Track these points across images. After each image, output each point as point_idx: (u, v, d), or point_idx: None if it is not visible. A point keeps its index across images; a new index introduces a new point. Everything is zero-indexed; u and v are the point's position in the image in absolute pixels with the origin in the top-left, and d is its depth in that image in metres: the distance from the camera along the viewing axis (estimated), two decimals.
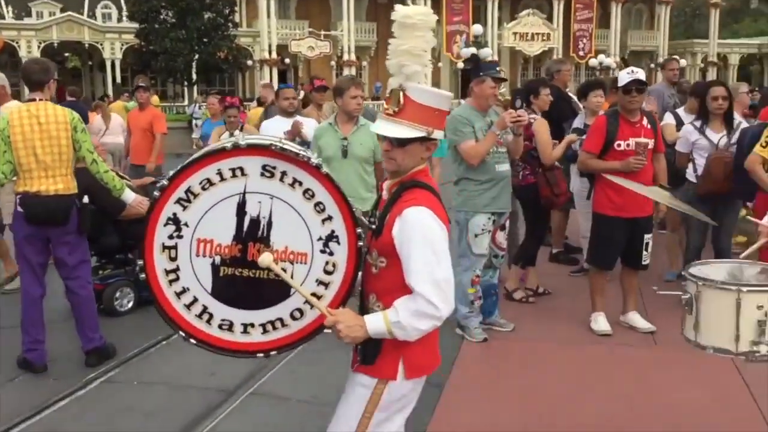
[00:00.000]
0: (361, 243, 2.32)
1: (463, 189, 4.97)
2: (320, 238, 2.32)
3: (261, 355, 2.40)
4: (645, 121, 4.96)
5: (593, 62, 35.27)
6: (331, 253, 2.32)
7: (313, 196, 2.31)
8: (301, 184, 2.29)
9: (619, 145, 4.87)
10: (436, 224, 2.21)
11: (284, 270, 2.26)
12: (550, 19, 39.29)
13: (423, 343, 2.28)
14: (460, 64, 32.39)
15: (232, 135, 5.99)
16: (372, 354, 2.28)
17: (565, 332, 5.18)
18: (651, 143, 4.84)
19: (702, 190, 5.50)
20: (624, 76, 4.90)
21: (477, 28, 29.55)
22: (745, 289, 2.63)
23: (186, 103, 33.72)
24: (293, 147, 2.36)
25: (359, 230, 2.32)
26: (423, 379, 2.40)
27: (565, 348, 4.92)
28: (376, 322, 2.21)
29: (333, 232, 2.32)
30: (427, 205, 2.23)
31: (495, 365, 4.72)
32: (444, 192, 2.61)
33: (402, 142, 2.27)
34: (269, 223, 2.29)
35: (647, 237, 5.02)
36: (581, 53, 39.63)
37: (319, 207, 2.31)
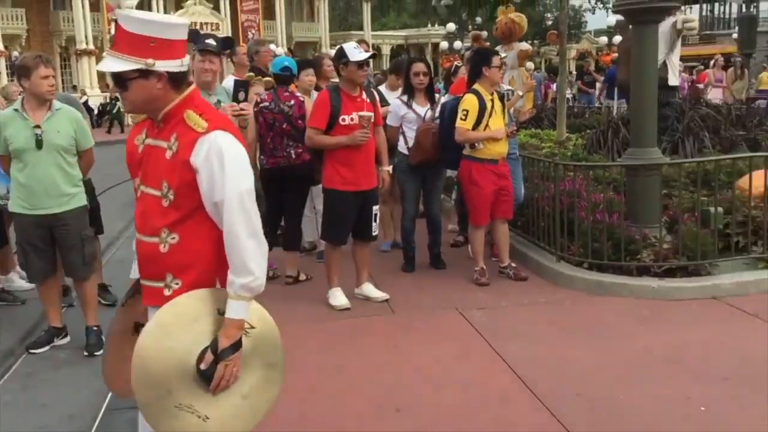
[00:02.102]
0: None
1: None
2: None
3: None
4: (364, 95, 5.06)
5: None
6: None
7: None
8: None
9: (344, 120, 4.89)
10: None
11: None
12: (217, 8, 38.99)
13: None
14: None
15: None
16: None
17: (306, 313, 5.09)
18: (373, 116, 4.95)
19: (414, 160, 5.82)
20: (356, 52, 4.92)
21: None
22: None
23: None
24: None
25: None
26: None
27: (309, 327, 4.84)
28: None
29: None
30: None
31: None
32: None
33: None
34: None
35: (375, 208, 5.16)
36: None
37: None
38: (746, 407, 3.40)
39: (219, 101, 4.61)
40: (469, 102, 5.38)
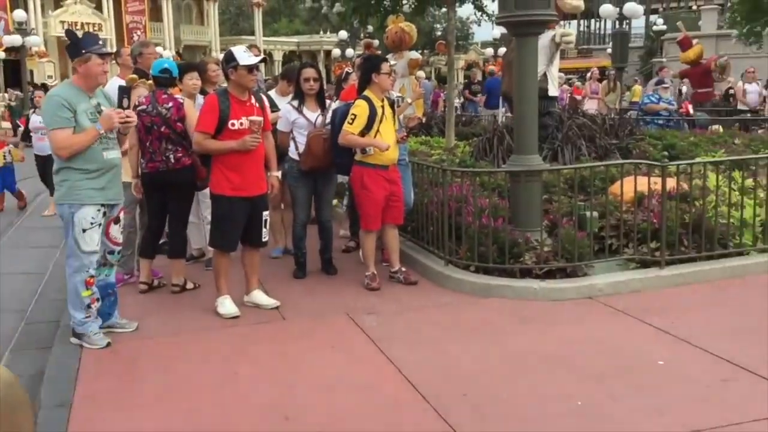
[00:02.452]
0: None
1: (65, 179, 4.38)
2: None
3: None
4: (253, 100, 5.00)
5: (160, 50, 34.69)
6: None
7: None
8: None
9: (233, 124, 4.82)
10: None
11: None
12: (99, 8, 37.36)
13: None
14: (2, 54, 28.69)
15: None
16: None
17: (194, 322, 4.97)
18: (263, 121, 4.91)
19: (305, 165, 5.80)
20: (246, 56, 4.86)
21: (19, 14, 26.42)
22: None
23: None
24: None
25: None
26: None
27: (197, 337, 4.72)
28: None
29: None
30: None
31: (125, 370, 4.28)
32: None
33: None
34: None
35: (265, 214, 5.11)
36: None
37: None
38: (619, 400, 3.60)
39: (99, 104, 4.43)
40: (360, 107, 5.43)
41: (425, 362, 4.16)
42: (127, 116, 4.44)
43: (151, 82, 5.72)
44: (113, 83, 7.43)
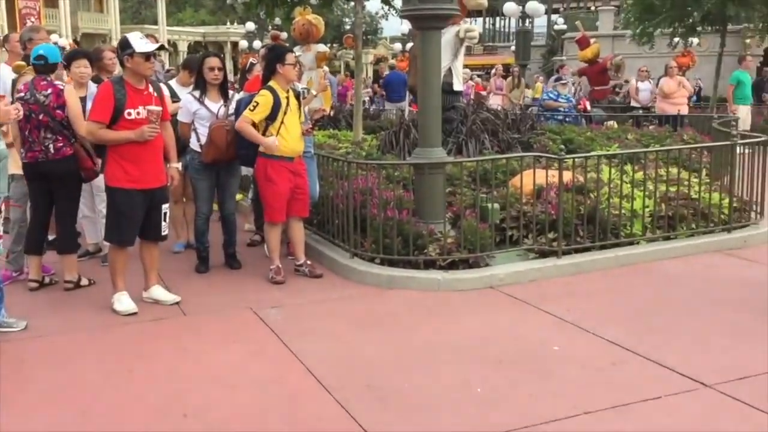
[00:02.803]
0: None
1: None
2: None
3: None
4: (150, 89, 4.84)
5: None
6: None
7: None
8: None
9: (129, 114, 4.65)
10: None
11: None
12: None
13: None
14: None
15: None
16: None
17: (89, 320, 4.77)
18: (161, 111, 4.75)
19: (207, 158, 5.65)
20: (142, 43, 4.69)
21: None
22: None
23: None
24: None
25: None
26: None
27: (92, 336, 4.53)
28: None
29: None
30: None
31: (13, 370, 4.04)
32: None
33: None
34: None
35: (165, 207, 4.96)
36: None
37: None
38: (517, 386, 3.71)
39: None
40: (263, 96, 5.34)
41: (329, 355, 4.15)
42: (16, 109, 4.24)
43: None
44: (1, 70, 7.04)
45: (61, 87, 5.13)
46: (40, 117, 5.02)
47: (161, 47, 5.05)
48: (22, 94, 5.07)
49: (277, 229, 5.66)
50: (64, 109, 5.04)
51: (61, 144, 5.06)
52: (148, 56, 4.69)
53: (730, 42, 18.82)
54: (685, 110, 13.53)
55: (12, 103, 4.91)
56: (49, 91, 5.06)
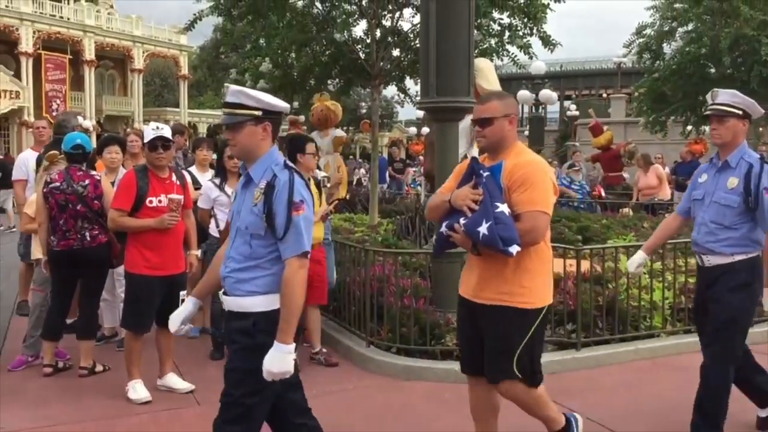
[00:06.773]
0: None
1: None
2: None
3: None
4: (174, 177, 4.93)
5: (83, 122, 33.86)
6: None
7: None
8: None
9: (151, 202, 4.73)
10: None
11: None
12: (18, 76, 36.46)
13: None
14: None
15: None
16: None
17: (102, 408, 4.71)
18: (183, 199, 4.83)
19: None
20: (149, 132, 4.81)
21: None
22: None
23: None
24: None
25: None
26: None
27: (104, 424, 4.46)
28: None
29: None
30: None
31: None
32: None
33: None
34: None
35: (182, 294, 4.94)
36: (54, 113, 37.71)
37: None
38: None
39: None
40: None
41: None
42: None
43: None
44: (26, 155, 7.22)
45: (98, 177, 5.22)
46: (78, 207, 5.09)
47: (162, 138, 4.80)
48: (57, 184, 5.13)
49: None
50: (101, 199, 5.13)
51: (97, 232, 5.13)
52: (152, 146, 4.79)
53: None
54: None
55: (44, 189, 5.02)
56: (87, 182, 5.14)
